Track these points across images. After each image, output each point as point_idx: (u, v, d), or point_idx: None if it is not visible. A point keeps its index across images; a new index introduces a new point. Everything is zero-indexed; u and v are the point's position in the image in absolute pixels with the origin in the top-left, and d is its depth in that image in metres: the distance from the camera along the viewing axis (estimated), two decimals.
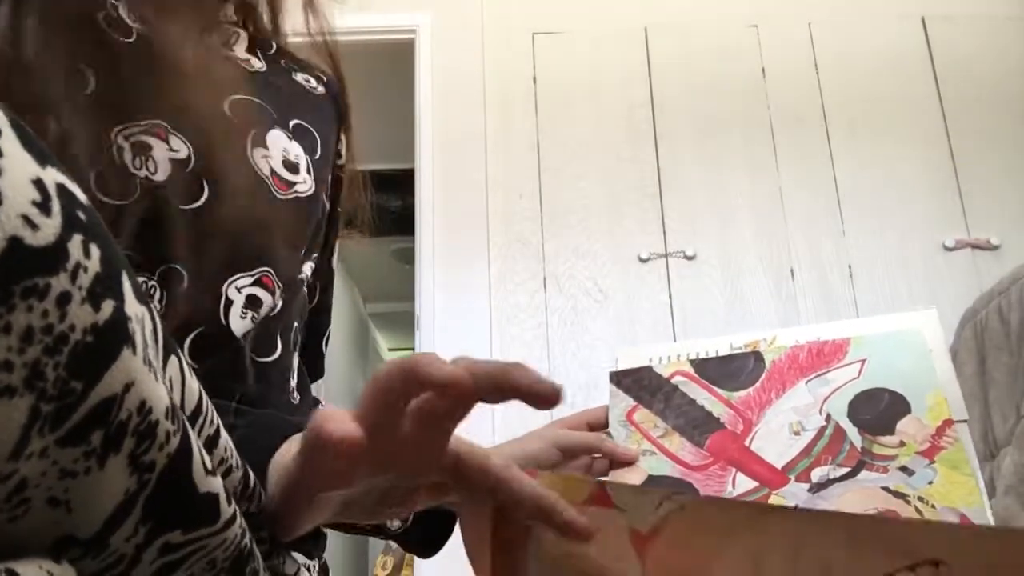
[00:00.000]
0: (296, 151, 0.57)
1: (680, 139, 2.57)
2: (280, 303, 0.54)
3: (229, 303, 0.50)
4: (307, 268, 0.65)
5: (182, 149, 0.49)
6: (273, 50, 0.65)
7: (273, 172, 0.54)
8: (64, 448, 0.24)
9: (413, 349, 2.48)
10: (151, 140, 0.48)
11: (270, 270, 0.53)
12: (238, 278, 0.51)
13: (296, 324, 0.59)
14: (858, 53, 2.65)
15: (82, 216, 0.24)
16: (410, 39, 2.75)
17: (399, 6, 2.79)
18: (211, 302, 0.49)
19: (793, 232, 2.46)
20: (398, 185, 3.78)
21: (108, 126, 0.47)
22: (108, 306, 0.25)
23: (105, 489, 0.26)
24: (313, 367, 0.69)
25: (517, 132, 2.61)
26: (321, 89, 0.67)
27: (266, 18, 0.67)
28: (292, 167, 0.56)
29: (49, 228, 0.23)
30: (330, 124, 0.65)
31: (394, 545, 3.34)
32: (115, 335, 0.25)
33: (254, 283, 0.52)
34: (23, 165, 0.23)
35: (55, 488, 0.24)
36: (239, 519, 0.33)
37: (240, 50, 0.61)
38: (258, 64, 0.61)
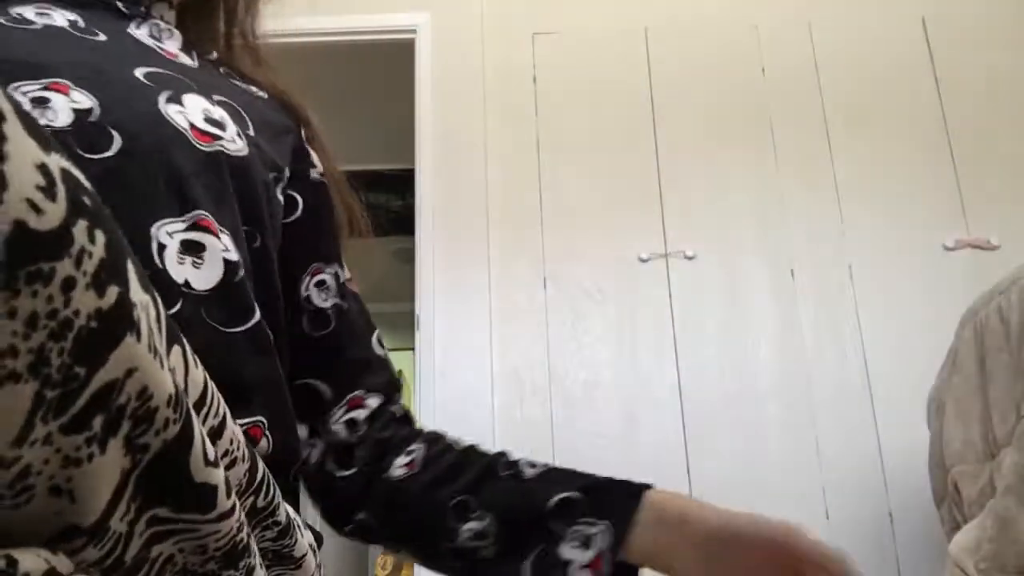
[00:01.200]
0: (220, 114, 0.53)
1: (680, 139, 2.57)
2: (239, 257, 0.50)
3: (162, 247, 0.46)
4: (334, 269, 0.65)
5: (84, 101, 0.46)
6: (213, 56, 0.64)
7: (192, 125, 0.50)
8: (67, 435, 0.24)
9: (413, 349, 2.47)
10: (50, 94, 0.46)
11: (205, 212, 0.49)
12: (167, 223, 0.47)
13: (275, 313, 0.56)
14: (858, 53, 2.65)
15: (87, 202, 0.24)
16: (410, 39, 2.75)
17: (399, 6, 2.79)
18: (139, 242, 0.46)
19: (793, 232, 2.46)
20: (398, 185, 3.78)
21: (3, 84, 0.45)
22: (112, 292, 0.24)
23: (105, 474, 0.26)
24: (369, 371, 0.65)
25: (517, 132, 2.61)
26: (264, 95, 0.65)
27: (221, 37, 0.66)
28: (216, 123, 0.52)
29: (54, 213, 0.23)
30: (273, 121, 0.63)
31: None
32: (119, 321, 0.25)
33: (189, 228, 0.48)
34: (28, 150, 0.22)
35: (58, 476, 0.24)
36: (237, 513, 0.33)
37: (170, 45, 0.59)
38: (188, 61, 0.59)
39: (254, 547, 0.36)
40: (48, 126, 0.44)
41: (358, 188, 0.73)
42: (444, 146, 2.62)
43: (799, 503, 2.22)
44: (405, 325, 2.82)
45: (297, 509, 0.55)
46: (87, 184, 0.25)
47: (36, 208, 0.22)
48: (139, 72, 0.51)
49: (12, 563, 0.22)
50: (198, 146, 0.50)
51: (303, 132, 0.67)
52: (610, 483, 0.56)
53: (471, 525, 0.57)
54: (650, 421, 2.31)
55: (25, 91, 0.45)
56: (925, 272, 2.40)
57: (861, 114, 2.58)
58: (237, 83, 0.64)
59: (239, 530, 0.33)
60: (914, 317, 2.34)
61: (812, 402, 2.31)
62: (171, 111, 0.50)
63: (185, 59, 0.59)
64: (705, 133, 2.58)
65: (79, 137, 0.45)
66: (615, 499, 0.55)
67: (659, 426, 2.30)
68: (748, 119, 2.58)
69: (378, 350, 0.68)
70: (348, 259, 0.68)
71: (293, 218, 0.63)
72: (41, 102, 0.45)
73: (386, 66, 3.02)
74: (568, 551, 0.53)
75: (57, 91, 0.46)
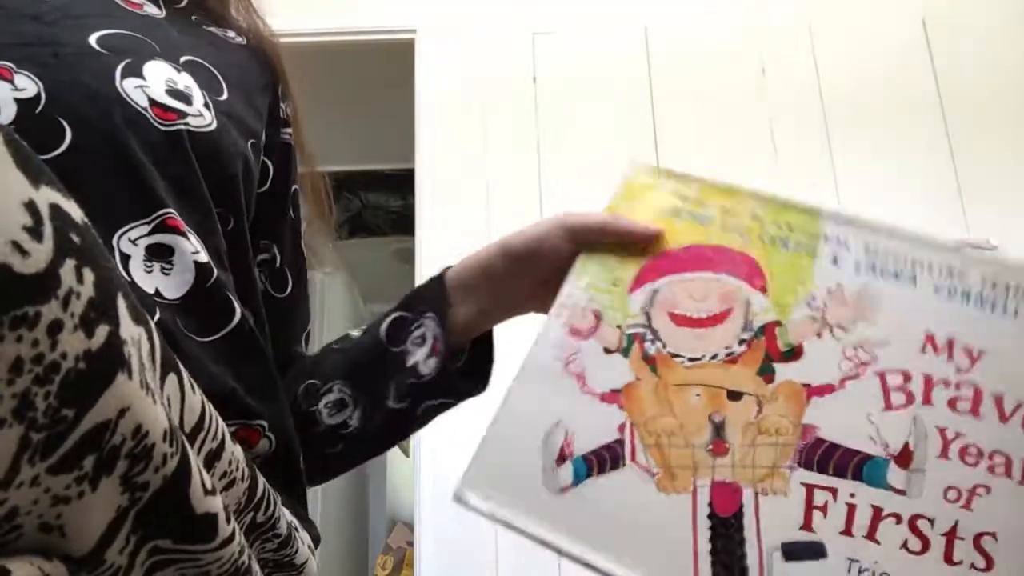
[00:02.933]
0: (187, 82, 0.49)
1: (680, 139, 2.57)
2: (208, 259, 0.47)
3: (126, 258, 0.44)
4: (273, 252, 0.61)
5: (29, 87, 0.43)
6: (182, 4, 0.59)
7: (152, 102, 0.46)
8: (56, 476, 0.23)
9: None
10: None
11: (171, 210, 0.46)
12: (129, 229, 0.44)
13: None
14: (858, 53, 2.65)
15: (75, 239, 0.24)
16: (410, 39, 2.75)
17: (399, 6, 2.79)
18: None
19: None
20: (398, 185, 3.78)
21: None
22: (102, 332, 0.24)
23: (98, 510, 0.25)
24: (283, 369, 0.61)
25: (517, 132, 2.61)
26: (240, 40, 0.61)
27: None
28: (181, 96, 0.48)
29: (40, 254, 0.22)
30: (249, 76, 0.59)
31: (394, 545, 3.33)
32: (109, 360, 0.24)
33: (155, 230, 0.45)
34: (15, 187, 0.22)
35: (47, 515, 0.24)
36: (238, 537, 0.33)
37: None
38: (154, 10, 0.55)
39: (255, 568, 0.36)
40: None
41: (328, 192, 0.70)
42: (444, 146, 2.62)
43: None
44: None
45: (304, 502, 0.54)
46: (78, 218, 0.25)
47: (21, 250, 0.21)
48: (94, 38, 0.47)
49: (5, 573, 0.22)
50: (159, 126, 0.46)
51: (279, 87, 0.63)
52: (419, 287, 0.60)
53: (326, 399, 0.58)
54: None
55: None
56: None
57: (861, 114, 2.57)
58: (212, 30, 0.59)
59: (240, 554, 0.33)
60: None
61: None
62: (129, 87, 0.46)
63: (151, 8, 0.55)
64: (705, 133, 2.58)
65: (26, 134, 0.41)
66: (428, 294, 0.58)
67: None
68: (748, 119, 2.58)
69: (300, 350, 0.65)
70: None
71: (263, 189, 0.60)
72: None
73: (386, 66, 3.02)
74: (412, 357, 0.56)
75: (0, 76, 0.42)
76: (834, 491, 0.35)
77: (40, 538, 0.24)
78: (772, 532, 0.35)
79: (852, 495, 0.35)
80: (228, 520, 0.32)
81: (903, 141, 2.54)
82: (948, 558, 0.32)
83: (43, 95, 0.43)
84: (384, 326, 0.59)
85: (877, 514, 0.34)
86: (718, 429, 0.38)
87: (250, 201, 0.56)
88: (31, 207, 0.22)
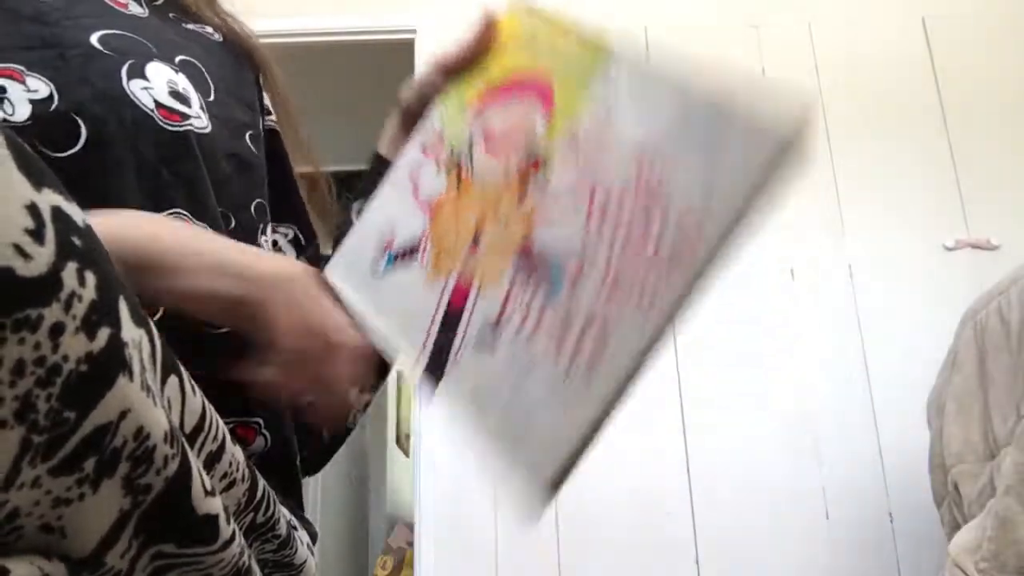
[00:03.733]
0: (184, 84, 0.50)
1: None
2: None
3: None
4: (279, 237, 0.62)
5: (41, 88, 0.44)
6: (159, 1, 0.60)
7: (158, 104, 0.47)
8: (57, 477, 0.23)
9: None
10: (4, 82, 0.43)
11: (182, 210, 0.47)
12: None
13: None
14: (858, 53, 2.65)
15: (77, 242, 0.24)
16: (410, 39, 2.75)
17: (399, 6, 2.79)
18: None
19: (793, 232, 2.46)
20: None
21: None
22: (104, 334, 0.24)
23: (99, 512, 0.25)
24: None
25: None
26: (218, 37, 0.61)
27: None
28: (181, 98, 0.49)
29: (42, 257, 0.22)
30: (233, 71, 0.60)
31: (394, 545, 3.34)
32: (110, 363, 0.24)
33: None
34: (17, 190, 0.22)
35: (48, 516, 0.24)
36: (238, 538, 0.33)
37: None
38: (138, 9, 0.55)
39: (256, 569, 0.36)
40: (6, 122, 0.43)
41: (331, 189, 0.71)
42: None
43: (799, 503, 2.22)
44: None
45: (300, 500, 0.54)
46: (80, 220, 0.25)
47: (23, 253, 0.22)
48: (95, 38, 0.48)
49: (5, 572, 0.22)
50: (167, 127, 0.48)
51: (259, 78, 0.64)
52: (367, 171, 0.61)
53: None
54: (647, 421, 2.30)
55: None
56: (925, 272, 2.40)
57: (861, 114, 2.57)
58: (191, 27, 0.60)
59: (241, 555, 0.33)
60: (914, 317, 2.34)
61: (812, 401, 2.31)
62: (135, 89, 0.47)
63: (135, 8, 0.55)
64: None
65: (42, 132, 0.43)
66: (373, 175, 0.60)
67: (658, 423, 2.30)
68: None
69: None
70: None
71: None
72: None
73: (386, 66, 3.02)
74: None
75: (11, 78, 0.43)
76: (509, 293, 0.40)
77: (41, 539, 0.24)
78: (475, 325, 0.41)
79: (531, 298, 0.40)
80: (229, 521, 0.32)
81: (903, 141, 2.54)
82: (573, 354, 0.36)
83: (55, 95, 0.44)
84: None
85: (542, 310, 0.38)
86: (476, 239, 0.44)
87: (247, 198, 0.57)
88: (33, 210, 0.22)
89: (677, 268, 0.35)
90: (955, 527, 1.65)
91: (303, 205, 0.65)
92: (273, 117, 0.64)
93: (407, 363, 0.42)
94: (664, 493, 2.25)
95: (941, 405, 1.77)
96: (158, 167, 0.47)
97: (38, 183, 0.23)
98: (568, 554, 2.17)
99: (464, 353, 0.40)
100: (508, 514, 2.14)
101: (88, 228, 0.25)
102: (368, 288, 0.47)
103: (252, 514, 0.39)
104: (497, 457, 0.35)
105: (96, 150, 0.45)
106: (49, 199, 0.23)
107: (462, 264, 0.43)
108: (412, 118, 0.53)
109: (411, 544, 2.93)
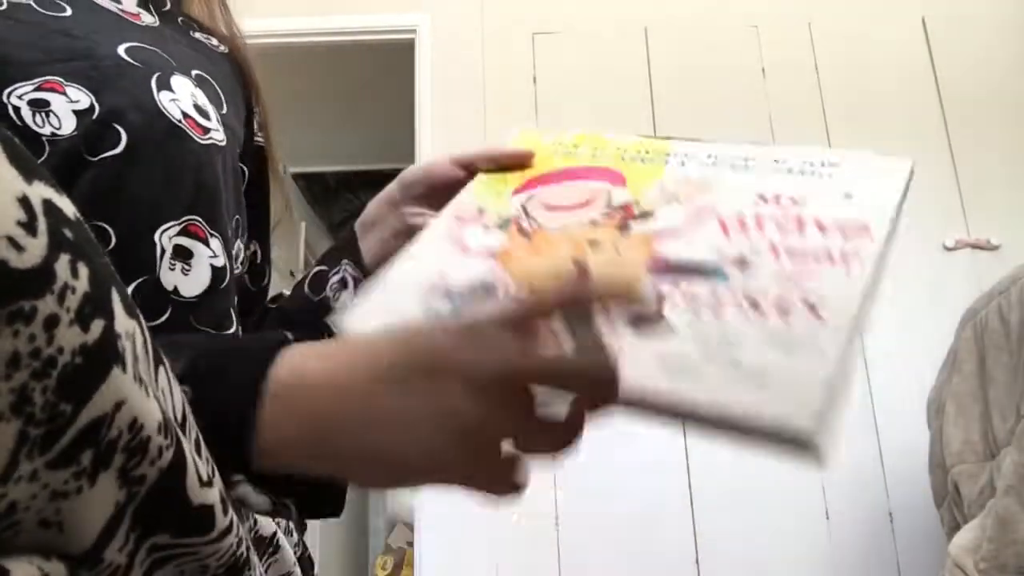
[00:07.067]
0: (202, 98, 0.53)
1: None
2: (226, 263, 0.51)
3: (163, 252, 0.47)
4: (252, 245, 0.65)
5: (82, 99, 0.46)
6: (167, 7, 0.62)
7: (185, 115, 0.50)
8: (55, 471, 0.23)
9: None
10: (47, 95, 0.45)
11: (198, 218, 0.50)
12: (167, 227, 0.48)
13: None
14: (858, 53, 2.65)
15: (69, 234, 0.24)
16: (410, 39, 2.75)
17: (399, 6, 2.79)
18: (147, 251, 0.46)
19: None
20: None
21: None
22: (97, 326, 0.24)
23: (96, 505, 0.25)
24: None
25: None
26: (223, 48, 0.64)
27: None
28: (202, 112, 0.52)
29: (35, 249, 0.22)
30: (233, 86, 0.62)
31: (394, 545, 3.34)
32: (105, 355, 0.24)
33: (180, 232, 0.48)
34: (9, 182, 0.22)
35: (46, 510, 0.24)
36: (235, 528, 0.33)
37: (128, 4, 0.57)
38: (149, 19, 0.58)
39: (255, 560, 0.36)
40: (55, 135, 0.44)
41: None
42: (444, 146, 2.62)
43: (799, 503, 2.22)
44: None
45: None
46: (71, 213, 0.25)
47: (16, 245, 0.22)
48: (122, 49, 0.50)
49: (4, 573, 0.22)
50: (195, 138, 0.50)
51: (251, 95, 0.66)
52: (337, 240, 0.66)
53: None
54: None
55: (21, 94, 0.44)
56: (925, 272, 2.40)
57: (861, 114, 2.58)
58: (199, 38, 0.62)
59: (239, 545, 0.33)
60: (914, 317, 2.34)
61: None
62: (165, 100, 0.49)
63: (147, 18, 0.57)
64: (705, 133, 2.57)
65: (89, 138, 0.45)
66: (341, 243, 0.65)
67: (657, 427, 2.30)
68: (748, 119, 2.58)
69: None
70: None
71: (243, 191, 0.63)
72: (40, 105, 0.45)
73: (386, 66, 3.02)
74: (338, 300, 0.62)
75: (53, 90, 0.45)
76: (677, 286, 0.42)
77: (39, 534, 0.24)
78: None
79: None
80: (226, 512, 0.32)
81: (903, 141, 2.54)
82: (783, 312, 0.38)
83: (96, 105, 0.46)
84: (307, 280, 0.64)
85: (714, 293, 0.40)
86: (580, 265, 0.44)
87: (239, 207, 0.59)
88: (25, 202, 0.22)
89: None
90: (955, 527, 1.66)
91: (268, 224, 0.67)
92: (261, 135, 0.67)
93: None
94: (664, 493, 2.25)
95: (941, 405, 1.77)
96: (184, 175, 0.49)
97: (29, 176, 0.23)
98: (568, 554, 2.17)
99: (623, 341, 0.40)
100: (512, 512, 2.14)
101: (79, 220, 0.25)
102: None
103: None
104: (737, 422, 0.34)
105: (134, 153, 0.47)
106: (40, 191, 0.23)
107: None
108: (413, 191, 0.61)
109: (411, 544, 2.93)
